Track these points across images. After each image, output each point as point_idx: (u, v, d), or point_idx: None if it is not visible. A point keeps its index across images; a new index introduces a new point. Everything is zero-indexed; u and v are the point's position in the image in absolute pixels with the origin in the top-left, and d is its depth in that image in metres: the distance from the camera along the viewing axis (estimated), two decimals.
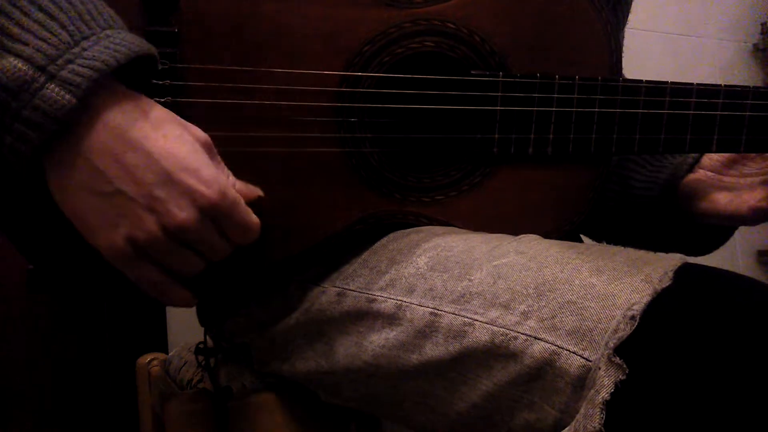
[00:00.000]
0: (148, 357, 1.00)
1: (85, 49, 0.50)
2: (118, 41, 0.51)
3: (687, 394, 0.42)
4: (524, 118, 0.67)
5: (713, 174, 0.79)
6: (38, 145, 0.50)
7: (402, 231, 0.67)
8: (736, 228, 0.82)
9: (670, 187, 0.80)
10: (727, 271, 0.49)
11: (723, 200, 0.76)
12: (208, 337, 0.84)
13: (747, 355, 0.43)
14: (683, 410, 0.42)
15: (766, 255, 2.11)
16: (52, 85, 0.48)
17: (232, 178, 0.57)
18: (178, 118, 0.55)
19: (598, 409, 0.44)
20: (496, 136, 0.67)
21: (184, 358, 0.91)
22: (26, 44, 0.49)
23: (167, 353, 1.00)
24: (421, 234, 0.65)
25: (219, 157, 0.57)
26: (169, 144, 0.52)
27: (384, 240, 0.67)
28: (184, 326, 1.42)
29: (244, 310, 0.75)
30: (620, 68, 0.71)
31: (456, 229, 0.67)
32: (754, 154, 0.77)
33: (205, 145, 0.55)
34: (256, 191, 0.59)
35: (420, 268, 0.61)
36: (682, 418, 0.42)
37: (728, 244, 0.85)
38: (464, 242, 0.61)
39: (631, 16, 0.89)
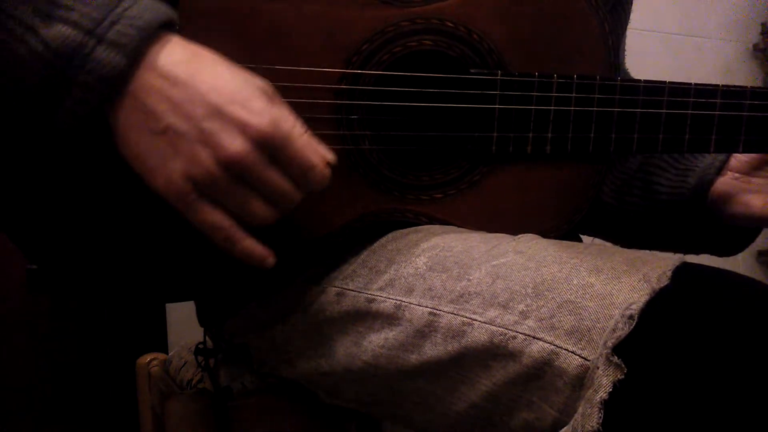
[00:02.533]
0: (148, 357, 0.99)
1: (126, 9, 0.51)
2: (152, 3, 0.52)
3: (685, 393, 0.42)
4: (522, 117, 0.67)
5: (741, 176, 0.78)
6: (97, 106, 0.51)
7: (401, 231, 0.67)
8: (762, 229, 0.81)
9: (699, 191, 0.79)
10: (725, 271, 0.49)
11: (758, 203, 0.76)
12: (207, 338, 0.84)
13: (745, 354, 0.43)
14: (681, 410, 0.42)
15: (766, 255, 2.11)
16: (102, 48, 0.50)
17: (299, 127, 0.55)
18: (230, 62, 0.55)
19: (596, 409, 0.44)
20: (495, 134, 0.67)
21: (184, 358, 0.91)
22: (71, 10, 0.50)
23: (167, 353, 1.00)
24: (420, 234, 0.65)
25: (281, 102, 0.55)
26: (217, 79, 0.52)
27: (383, 240, 0.67)
28: (184, 326, 1.42)
29: (243, 311, 0.75)
30: (618, 67, 0.71)
31: (455, 228, 0.67)
32: None
33: (261, 91, 0.54)
34: (327, 155, 0.56)
35: (419, 268, 0.61)
36: (680, 417, 0.42)
37: None
38: (463, 242, 0.61)
39: (631, 16, 0.89)
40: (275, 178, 0.54)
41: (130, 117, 0.52)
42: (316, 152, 0.55)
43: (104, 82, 0.50)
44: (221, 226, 0.54)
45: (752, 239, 0.84)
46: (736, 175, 0.78)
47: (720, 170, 0.78)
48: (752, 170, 0.78)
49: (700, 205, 0.79)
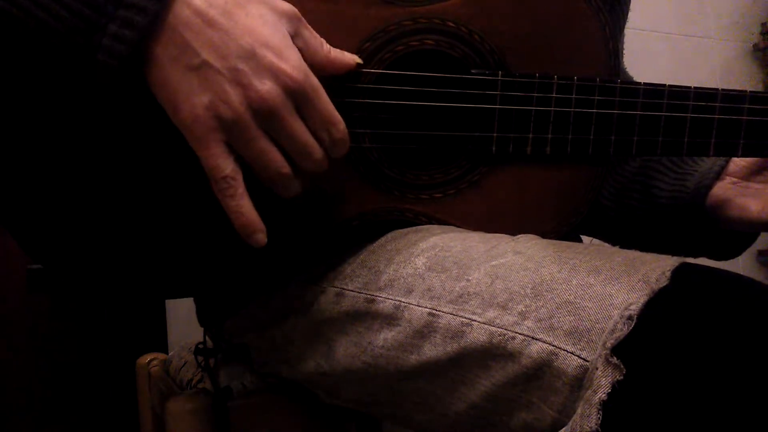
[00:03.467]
0: (148, 357, 1.00)
1: None
2: None
3: (684, 394, 0.42)
4: (523, 118, 0.67)
5: (740, 180, 0.78)
6: (144, 27, 0.51)
7: (400, 231, 0.67)
8: (760, 233, 0.82)
9: (697, 195, 0.79)
10: (724, 271, 0.49)
11: (755, 207, 0.76)
12: (207, 338, 0.84)
13: (744, 355, 0.43)
14: (680, 411, 0.42)
15: (766, 255, 2.11)
16: None
17: (326, 45, 0.58)
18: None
19: (595, 410, 0.44)
20: (495, 134, 0.67)
21: (184, 358, 0.91)
22: None
23: (167, 353, 1.00)
24: (420, 234, 0.65)
25: (309, 27, 0.57)
26: (251, 21, 0.53)
27: (382, 240, 0.67)
28: (184, 326, 1.42)
29: (243, 310, 0.75)
30: (618, 70, 0.71)
31: (454, 228, 0.67)
32: None
33: (289, 17, 0.55)
34: (354, 58, 0.60)
35: (418, 268, 0.61)
36: (680, 418, 0.42)
37: None
38: (462, 242, 0.61)
39: (631, 16, 0.89)
40: (299, 127, 0.55)
41: (167, 49, 0.52)
42: (342, 60, 0.59)
43: (154, 1, 0.51)
44: (228, 173, 0.54)
45: (749, 244, 0.84)
46: (735, 179, 0.78)
47: (719, 175, 0.79)
48: (751, 175, 0.78)
49: (698, 209, 0.79)
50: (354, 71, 0.61)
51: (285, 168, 0.56)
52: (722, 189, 0.78)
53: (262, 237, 0.56)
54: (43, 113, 0.58)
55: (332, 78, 0.61)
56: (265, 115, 0.53)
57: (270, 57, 0.53)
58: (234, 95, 0.52)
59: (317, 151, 0.56)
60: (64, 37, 0.51)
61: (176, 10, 0.52)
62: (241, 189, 0.54)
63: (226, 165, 0.54)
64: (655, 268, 0.49)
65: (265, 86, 0.52)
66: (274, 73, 0.53)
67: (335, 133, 0.57)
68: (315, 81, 0.55)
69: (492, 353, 0.53)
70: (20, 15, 0.51)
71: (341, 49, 0.62)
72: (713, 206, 0.78)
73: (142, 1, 0.51)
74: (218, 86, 0.52)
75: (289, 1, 0.60)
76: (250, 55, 0.52)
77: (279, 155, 0.55)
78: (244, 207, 0.55)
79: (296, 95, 0.54)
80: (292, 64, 0.53)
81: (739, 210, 0.77)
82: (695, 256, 0.85)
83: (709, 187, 0.78)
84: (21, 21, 0.51)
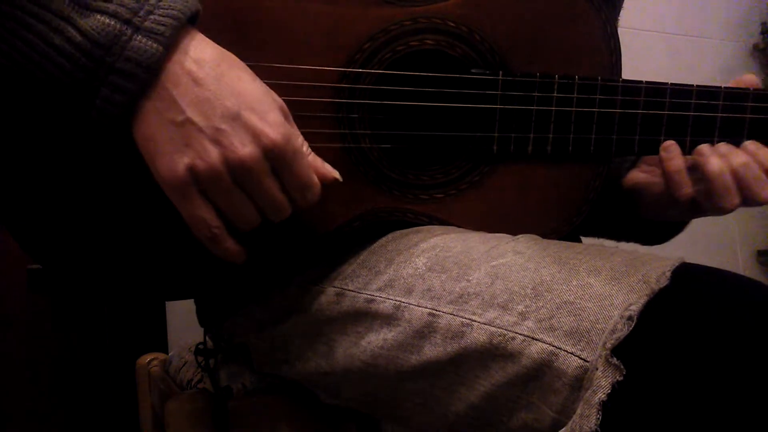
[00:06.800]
0: (148, 357, 0.99)
1: (159, 0, 0.53)
2: None
3: (684, 395, 0.42)
4: (524, 117, 0.67)
5: (654, 167, 0.79)
6: (135, 93, 0.52)
7: (401, 231, 0.67)
8: (687, 221, 0.82)
9: (614, 179, 0.80)
10: (725, 271, 0.49)
11: (655, 191, 0.77)
12: (207, 338, 0.84)
13: (744, 356, 0.43)
14: (680, 411, 0.42)
15: (766, 255, 2.11)
16: (139, 36, 0.51)
17: (306, 146, 0.58)
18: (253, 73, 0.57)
19: (595, 410, 0.44)
20: (496, 134, 0.67)
21: (184, 358, 0.91)
22: (109, 1, 0.52)
23: (167, 353, 1.00)
24: (420, 234, 0.65)
25: (293, 123, 0.57)
26: (240, 85, 0.54)
27: (383, 240, 0.67)
28: (184, 326, 1.42)
29: (243, 310, 0.75)
30: (620, 68, 0.71)
31: (454, 228, 0.67)
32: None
33: (279, 106, 0.56)
34: (333, 173, 0.60)
35: (418, 268, 0.61)
36: (679, 419, 0.42)
37: (728, 243, 0.85)
38: (462, 242, 0.61)
39: (631, 16, 0.89)
40: (273, 188, 0.56)
41: (154, 103, 0.53)
42: (321, 171, 0.58)
43: (143, 69, 0.52)
44: (210, 224, 0.55)
45: (676, 231, 0.84)
46: (650, 167, 0.79)
47: (635, 163, 0.80)
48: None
49: (616, 194, 0.80)
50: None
51: (255, 220, 0.57)
52: (634, 177, 0.79)
53: (243, 258, 0.58)
54: (44, 116, 0.58)
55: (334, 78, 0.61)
56: (241, 174, 0.54)
57: (253, 119, 0.53)
58: (213, 153, 0.53)
59: (287, 210, 0.57)
60: (58, 91, 0.52)
61: (169, 70, 0.53)
62: (224, 234, 0.56)
63: (206, 216, 0.55)
64: (655, 269, 0.49)
65: (245, 149, 0.53)
66: (256, 135, 0.53)
67: (310, 196, 0.57)
68: (296, 145, 0.55)
69: (492, 353, 0.53)
70: (21, 61, 0.51)
71: (343, 49, 0.62)
72: (628, 192, 0.80)
73: (125, 82, 0.52)
74: (198, 144, 0.53)
75: (290, 3, 0.61)
76: (234, 117, 0.53)
77: (252, 209, 0.56)
78: (229, 249, 0.57)
79: (275, 158, 0.54)
80: (275, 127, 0.54)
81: (644, 196, 0.77)
82: (627, 241, 0.87)
83: (628, 170, 0.80)
84: (22, 67, 0.52)
